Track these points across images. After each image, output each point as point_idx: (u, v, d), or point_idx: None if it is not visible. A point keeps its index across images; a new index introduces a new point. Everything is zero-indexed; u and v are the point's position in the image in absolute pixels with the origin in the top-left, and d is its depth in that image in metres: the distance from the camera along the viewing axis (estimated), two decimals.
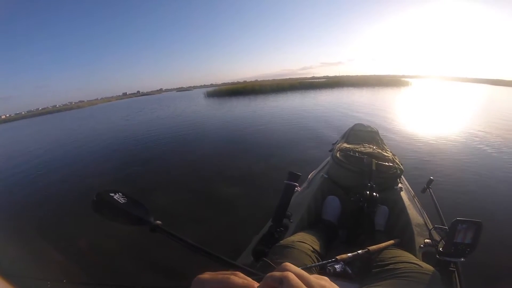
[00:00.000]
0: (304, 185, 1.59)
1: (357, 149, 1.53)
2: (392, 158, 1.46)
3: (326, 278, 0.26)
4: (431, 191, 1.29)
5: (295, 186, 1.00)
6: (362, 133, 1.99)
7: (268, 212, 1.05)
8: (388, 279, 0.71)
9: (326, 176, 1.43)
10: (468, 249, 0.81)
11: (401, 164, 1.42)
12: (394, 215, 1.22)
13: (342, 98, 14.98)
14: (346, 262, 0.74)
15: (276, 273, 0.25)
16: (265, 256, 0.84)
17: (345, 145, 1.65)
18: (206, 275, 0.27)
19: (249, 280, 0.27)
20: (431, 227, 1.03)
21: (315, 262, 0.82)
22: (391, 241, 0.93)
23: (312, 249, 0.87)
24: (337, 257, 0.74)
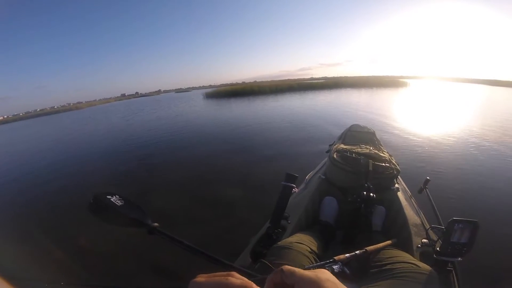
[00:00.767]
0: (302, 186, 1.60)
1: (354, 150, 1.54)
2: (389, 158, 1.47)
3: (325, 271, 0.27)
4: (427, 191, 1.30)
5: (292, 187, 1.00)
6: (359, 134, 2.00)
7: (266, 213, 1.05)
8: (386, 279, 0.71)
9: (323, 177, 1.44)
10: (465, 249, 0.81)
11: (398, 165, 1.43)
12: (391, 216, 1.23)
13: (340, 99, 15.03)
14: (344, 262, 0.74)
15: (275, 271, 0.27)
16: (263, 257, 0.85)
17: (342, 146, 1.66)
18: (202, 278, 0.27)
19: (245, 280, 0.27)
20: (428, 227, 1.03)
21: (313, 263, 0.82)
22: (389, 241, 0.94)
23: (309, 250, 0.87)
24: (334, 257, 0.73)
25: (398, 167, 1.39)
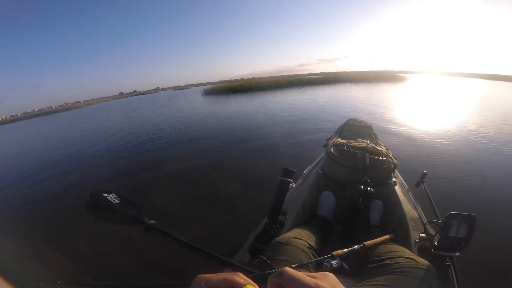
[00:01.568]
0: (299, 181, 1.60)
1: (351, 144, 1.54)
2: (386, 152, 1.46)
3: (330, 275, 0.27)
4: (425, 185, 1.30)
5: (290, 182, 1.00)
6: (355, 128, 2.00)
7: (264, 209, 1.05)
8: (384, 274, 0.71)
9: (321, 172, 1.44)
10: (463, 243, 0.81)
11: (395, 158, 1.42)
12: (389, 210, 1.23)
13: (339, 94, 14.99)
14: (342, 257, 0.74)
15: (276, 271, 0.27)
16: (261, 253, 0.84)
17: (339, 140, 1.65)
18: (207, 275, 0.27)
19: (250, 282, 0.27)
20: (426, 221, 1.03)
21: (311, 258, 0.82)
22: (387, 236, 0.94)
23: (308, 245, 0.87)
24: (333, 252, 0.73)
25: (395, 161, 1.39)
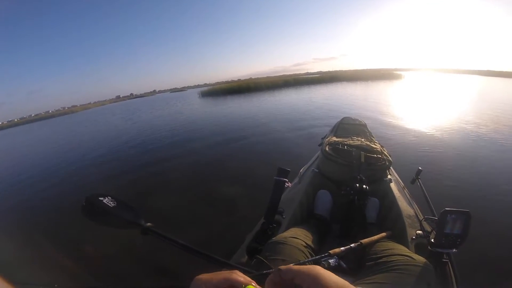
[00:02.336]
0: (296, 180, 1.60)
1: (345, 142, 1.54)
2: (381, 150, 1.47)
3: (318, 267, 0.28)
4: (420, 181, 1.31)
5: (285, 181, 1.00)
6: (350, 126, 2.01)
7: (261, 209, 1.05)
8: (382, 272, 0.71)
9: (317, 171, 1.44)
10: (459, 240, 0.81)
11: (390, 156, 1.43)
12: (385, 207, 1.23)
13: (335, 93, 15.03)
14: (339, 256, 0.74)
15: (273, 271, 0.28)
16: (258, 253, 0.85)
17: (334, 138, 1.66)
18: (205, 276, 0.27)
19: (248, 279, 0.28)
20: (422, 218, 1.03)
21: (308, 258, 0.82)
22: (383, 234, 0.94)
23: (305, 244, 0.87)
24: (330, 251, 0.74)
25: (390, 158, 1.40)
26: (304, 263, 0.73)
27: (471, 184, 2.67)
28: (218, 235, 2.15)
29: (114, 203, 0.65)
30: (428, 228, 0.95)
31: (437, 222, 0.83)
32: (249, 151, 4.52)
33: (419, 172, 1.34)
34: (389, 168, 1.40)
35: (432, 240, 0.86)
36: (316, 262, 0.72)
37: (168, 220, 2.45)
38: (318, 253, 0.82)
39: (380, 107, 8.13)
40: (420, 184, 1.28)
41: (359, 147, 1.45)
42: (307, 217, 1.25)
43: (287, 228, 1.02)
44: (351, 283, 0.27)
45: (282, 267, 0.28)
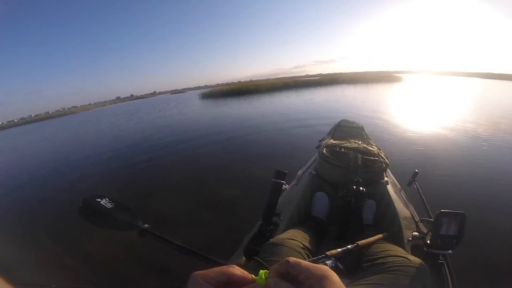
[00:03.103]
0: (293, 182, 1.60)
1: (343, 145, 1.55)
2: (378, 152, 1.48)
3: (326, 267, 0.28)
4: (416, 183, 1.31)
5: (282, 183, 1.01)
6: (347, 129, 2.02)
7: (259, 211, 1.06)
8: (378, 273, 0.72)
9: (314, 173, 1.44)
10: (454, 241, 0.81)
11: (387, 158, 1.44)
12: (382, 209, 1.24)
13: (335, 96, 15.03)
14: (336, 257, 0.75)
15: (282, 261, 0.28)
16: (256, 255, 0.85)
17: (331, 141, 1.67)
18: (203, 271, 0.27)
19: (245, 272, 0.28)
20: (418, 219, 1.04)
21: (305, 259, 0.82)
22: (380, 235, 0.94)
23: (302, 246, 0.88)
24: (327, 252, 0.74)
25: (387, 161, 1.41)
26: (312, 262, 0.73)
27: (467, 187, 2.68)
28: (215, 236, 2.15)
29: (112, 205, 0.65)
30: (424, 230, 0.96)
31: (433, 224, 0.84)
32: (248, 153, 4.53)
33: (415, 174, 1.34)
34: (386, 171, 1.41)
35: (428, 241, 0.86)
36: (313, 263, 0.72)
37: (167, 221, 2.45)
38: (315, 255, 0.83)
39: (378, 109, 8.15)
40: (416, 186, 1.29)
41: (356, 150, 1.46)
42: (304, 219, 1.25)
43: (284, 230, 1.03)
44: (348, 284, 0.27)
45: (291, 259, 0.28)
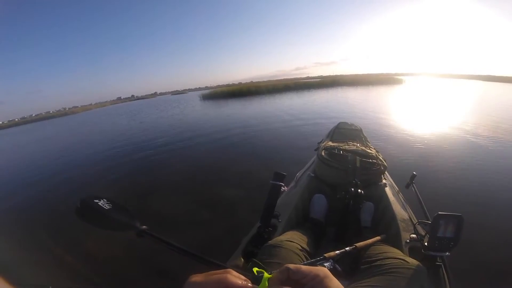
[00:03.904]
0: (292, 184, 1.61)
1: (341, 147, 1.55)
2: (376, 154, 1.48)
3: (326, 269, 0.29)
4: (414, 186, 1.31)
5: (281, 185, 1.01)
6: (346, 131, 2.02)
7: (257, 212, 1.06)
8: (376, 275, 0.72)
9: (313, 175, 1.45)
10: (452, 243, 0.82)
11: (385, 161, 1.44)
12: (380, 211, 1.24)
13: (335, 98, 15.03)
14: (335, 259, 0.75)
15: (282, 268, 0.28)
16: (254, 256, 0.85)
17: (330, 143, 1.67)
18: (198, 277, 0.27)
19: (242, 278, 0.27)
20: (416, 221, 1.04)
21: (303, 261, 0.82)
22: (378, 237, 0.95)
23: (300, 247, 0.88)
24: (325, 254, 0.74)
25: (385, 163, 1.41)
26: (311, 264, 0.74)
27: (465, 189, 2.68)
28: (214, 237, 2.16)
29: (109, 205, 0.65)
30: (422, 232, 0.96)
31: (430, 226, 0.84)
32: (247, 154, 4.54)
33: (413, 177, 1.35)
34: (384, 173, 1.41)
35: (426, 243, 0.87)
36: (312, 265, 0.72)
37: (166, 221, 2.45)
38: (313, 257, 0.83)
39: (377, 112, 8.16)
40: (414, 189, 1.29)
41: (354, 152, 1.47)
42: (302, 221, 1.25)
43: (283, 232, 1.03)
44: (346, 286, 0.28)
45: (291, 266, 0.28)
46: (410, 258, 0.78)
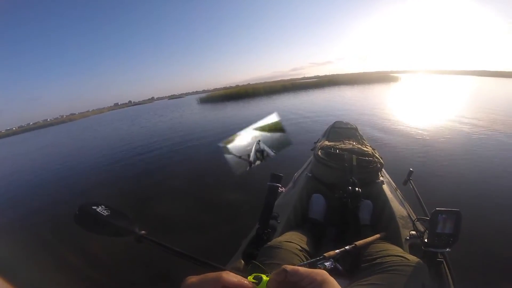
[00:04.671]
0: (290, 185, 1.61)
1: (337, 146, 1.56)
2: (372, 152, 1.49)
3: (325, 272, 0.28)
4: (412, 182, 1.32)
5: (278, 187, 1.01)
6: (342, 130, 2.03)
7: (256, 214, 1.06)
8: (377, 273, 0.72)
9: (310, 175, 1.44)
10: (451, 239, 0.81)
11: (381, 158, 1.44)
12: (378, 209, 1.24)
13: (331, 97, 15.03)
14: (335, 258, 0.74)
15: (279, 270, 0.28)
16: (254, 258, 0.85)
17: (326, 142, 1.68)
18: (194, 278, 0.27)
19: (239, 277, 0.27)
20: (415, 218, 1.04)
21: (303, 261, 0.82)
22: (377, 235, 0.94)
23: (300, 248, 0.88)
24: (325, 254, 0.74)
25: (381, 160, 1.41)
26: (311, 264, 0.74)
27: (463, 184, 2.68)
28: (214, 240, 2.15)
29: (108, 212, 0.65)
30: (421, 228, 0.96)
31: (429, 222, 0.84)
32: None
33: (410, 173, 1.35)
34: (381, 170, 1.41)
35: (426, 240, 0.86)
36: (312, 265, 0.72)
37: (166, 224, 2.44)
38: (313, 257, 0.83)
39: (372, 109, 8.17)
40: (412, 185, 1.29)
41: (350, 151, 1.47)
42: (301, 221, 1.25)
43: (282, 233, 1.03)
44: (347, 285, 0.27)
45: (288, 267, 0.27)
46: (411, 255, 0.78)
